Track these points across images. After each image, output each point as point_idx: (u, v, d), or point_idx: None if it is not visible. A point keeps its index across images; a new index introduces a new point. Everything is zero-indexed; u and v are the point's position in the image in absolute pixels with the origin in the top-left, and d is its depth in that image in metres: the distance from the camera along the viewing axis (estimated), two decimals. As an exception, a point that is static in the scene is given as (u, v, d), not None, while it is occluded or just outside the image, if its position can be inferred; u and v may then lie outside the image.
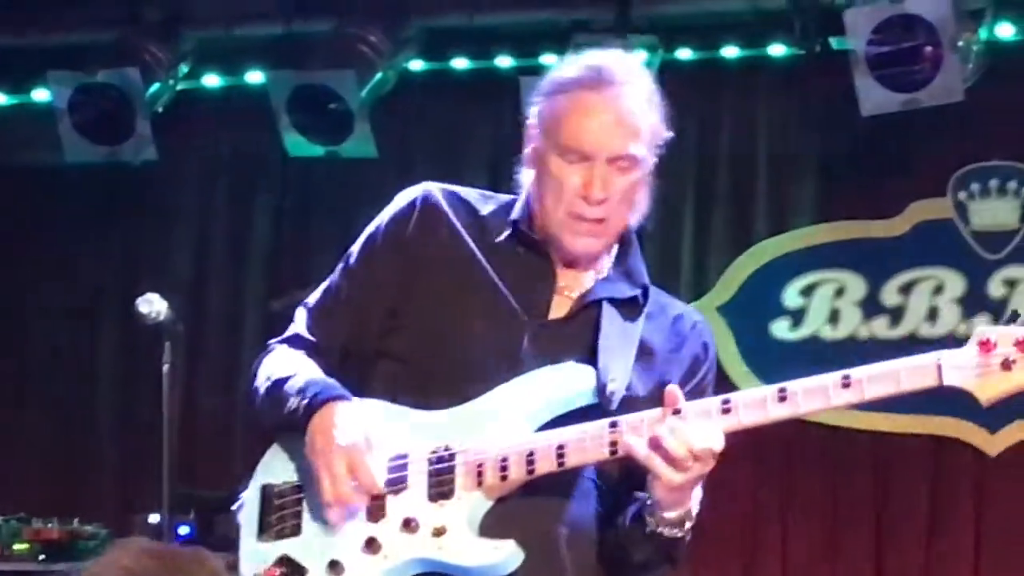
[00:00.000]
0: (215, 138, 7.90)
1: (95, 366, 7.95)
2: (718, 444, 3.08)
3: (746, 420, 3.11)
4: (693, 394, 3.23)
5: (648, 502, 3.18)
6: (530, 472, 3.17)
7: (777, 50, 7.09)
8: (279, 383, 3.32)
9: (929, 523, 6.85)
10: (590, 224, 3.27)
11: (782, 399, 3.10)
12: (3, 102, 7.97)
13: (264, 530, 3.33)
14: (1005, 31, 6.81)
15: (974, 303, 6.91)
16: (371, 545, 3.20)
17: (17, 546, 6.58)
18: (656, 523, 3.18)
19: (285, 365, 3.36)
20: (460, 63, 7.45)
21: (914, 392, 3.07)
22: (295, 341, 3.44)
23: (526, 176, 3.38)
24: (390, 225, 3.41)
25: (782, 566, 7.00)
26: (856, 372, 3.07)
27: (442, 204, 3.39)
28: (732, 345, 7.02)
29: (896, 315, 7.04)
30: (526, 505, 3.22)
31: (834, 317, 7.11)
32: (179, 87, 7.59)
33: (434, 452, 3.22)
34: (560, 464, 3.16)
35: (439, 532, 3.18)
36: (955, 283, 6.99)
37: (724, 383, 3.56)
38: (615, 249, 3.38)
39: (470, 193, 3.45)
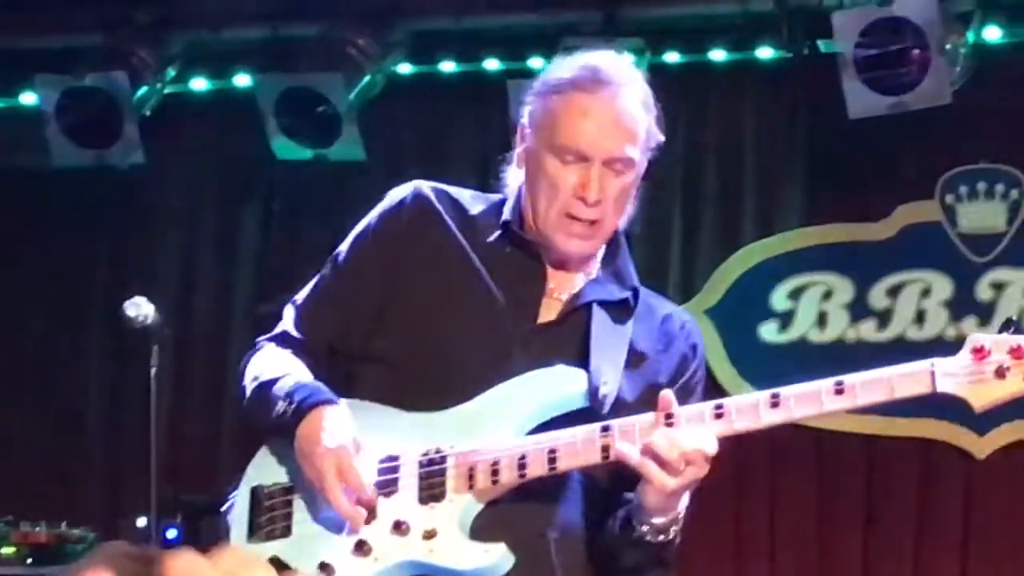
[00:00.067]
0: (203, 141, 7.87)
1: (82, 370, 7.92)
2: (711, 448, 3.08)
3: (739, 425, 3.12)
4: (681, 392, 3.24)
5: (637, 507, 3.18)
6: (521, 475, 3.16)
7: (765, 53, 7.08)
8: (266, 385, 3.31)
9: (918, 525, 6.84)
10: (583, 225, 3.26)
11: (775, 404, 3.10)
12: (-10, 105, 7.95)
13: (254, 531, 3.33)
14: (993, 34, 6.80)
15: (962, 306, 6.89)
16: (361, 547, 3.19)
17: (5, 550, 6.55)
18: (644, 529, 3.18)
19: (272, 365, 3.35)
20: (448, 66, 7.43)
21: (907, 399, 3.08)
22: (283, 339, 3.43)
23: (515, 177, 3.37)
24: (380, 223, 3.39)
25: (770, 569, 6.99)
26: (849, 379, 3.08)
27: (433, 202, 3.37)
28: (720, 348, 7.00)
29: (884, 318, 7.02)
30: (517, 508, 3.21)
31: (822, 320, 7.09)
32: (167, 90, 7.55)
33: (425, 454, 3.21)
34: (551, 468, 3.15)
35: (430, 535, 3.17)
36: (943, 286, 6.97)
37: (712, 386, 3.56)
38: (602, 250, 3.37)
39: (461, 192, 3.43)
